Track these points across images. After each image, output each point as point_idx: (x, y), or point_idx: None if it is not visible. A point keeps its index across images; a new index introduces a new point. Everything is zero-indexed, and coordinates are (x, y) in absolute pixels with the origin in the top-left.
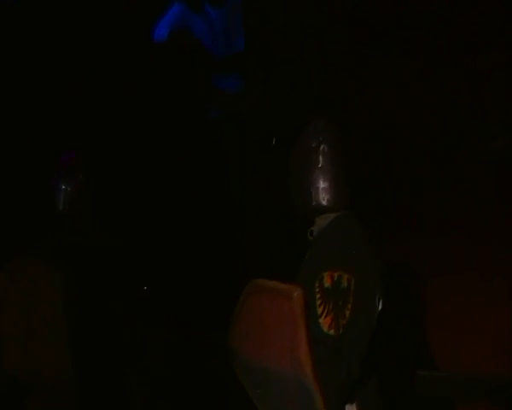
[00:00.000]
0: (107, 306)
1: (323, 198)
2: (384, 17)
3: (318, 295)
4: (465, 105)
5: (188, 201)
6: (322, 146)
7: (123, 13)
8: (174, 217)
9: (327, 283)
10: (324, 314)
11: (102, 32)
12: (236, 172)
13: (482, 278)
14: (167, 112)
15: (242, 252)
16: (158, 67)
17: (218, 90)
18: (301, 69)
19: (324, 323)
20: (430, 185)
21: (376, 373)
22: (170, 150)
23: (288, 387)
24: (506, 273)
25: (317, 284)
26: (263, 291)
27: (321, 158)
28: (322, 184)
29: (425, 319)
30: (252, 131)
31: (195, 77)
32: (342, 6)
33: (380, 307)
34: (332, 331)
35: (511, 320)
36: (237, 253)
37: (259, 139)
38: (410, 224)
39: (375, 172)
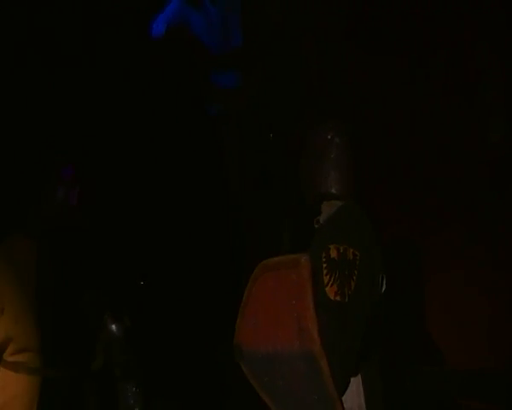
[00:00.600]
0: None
1: (331, 186)
2: (381, 14)
3: (325, 265)
4: (463, 99)
5: (187, 197)
6: (335, 139)
7: (120, 8)
8: (173, 213)
9: (333, 254)
10: (330, 283)
11: (99, 27)
12: (235, 167)
13: (481, 271)
14: (164, 108)
15: (242, 246)
16: (155, 62)
17: (215, 86)
18: (299, 65)
19: (330, 291)
20: (429, 179)
21: (378, 353)
22: (168, 146)
23: (296, 366)
24: (504, 268)
25: (323, 255)
26: (269, 270)
27: (334, 150)
28: (332, 173)
29: (422, 313)
30: (250, 127)
31: (193, 73)
32: (340, 2)
33: (384, 286)
34: (338, 298)
35: (508, 316)
36: (236, 247)
37: (257, 135)
38: (408, 217)
39: (372, 166)
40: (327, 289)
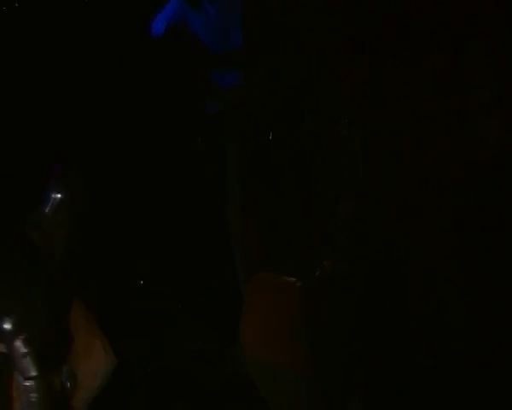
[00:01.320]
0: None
1: (351, 182)
2: (379, 14)
3: (316, 282)
4: (459, 99)
5: (186, 196)
6: (355, 136)
7: (120, 7)
8: (172, 212)
9: (327, 269)
10: (322, 302)
11: (99, 25)
12: (234, 166)
13: (482, 270)
14: (165, 107)
15: (239, 245)
16: (155, 61)
17: (214, 85)
18: (299, 64)
19: (322, 312)
20: (427, 179)
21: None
22: (168, 145)
23: (288, 380)
24: (505, 267)
25: (317, 272)
26: (267, 283)
27: (353, 146)
28: (351, 170)
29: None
30: (249, 126)
31: (192, 71)
32: (339, 2)
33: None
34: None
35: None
36: (234, 246)
37: (256, 134)
38: (406, 217)
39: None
40: (319, 309)
